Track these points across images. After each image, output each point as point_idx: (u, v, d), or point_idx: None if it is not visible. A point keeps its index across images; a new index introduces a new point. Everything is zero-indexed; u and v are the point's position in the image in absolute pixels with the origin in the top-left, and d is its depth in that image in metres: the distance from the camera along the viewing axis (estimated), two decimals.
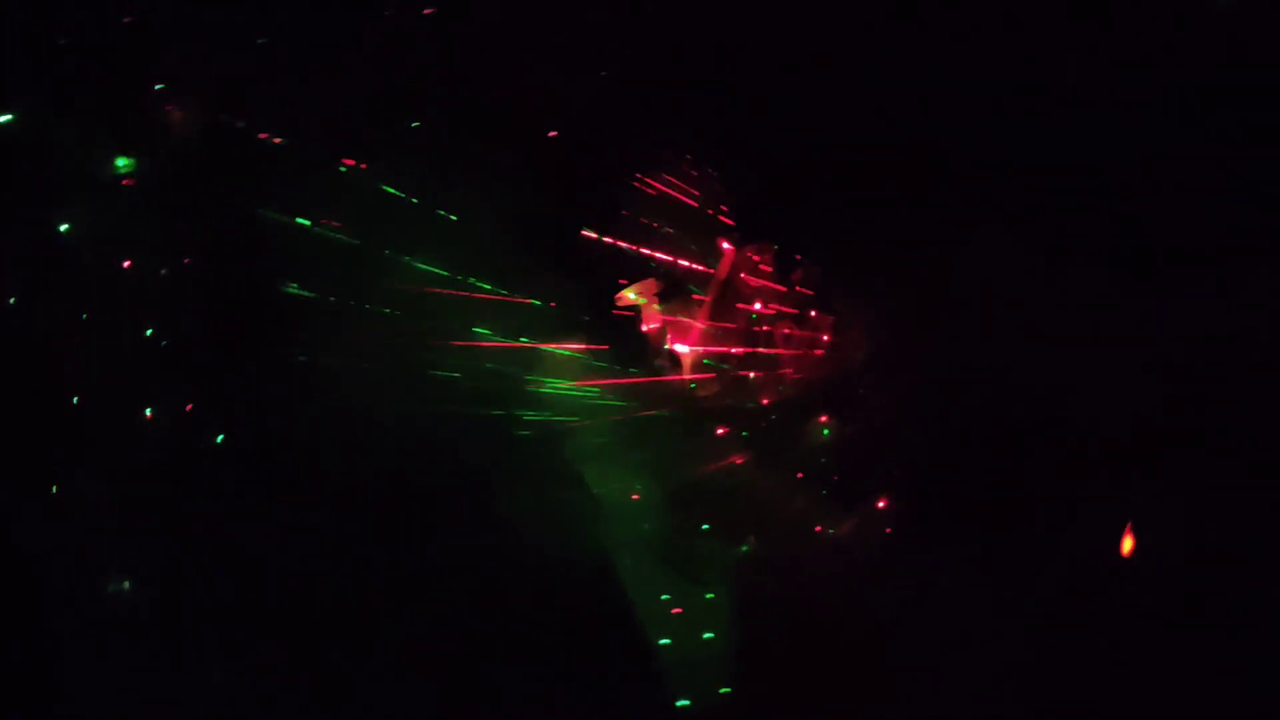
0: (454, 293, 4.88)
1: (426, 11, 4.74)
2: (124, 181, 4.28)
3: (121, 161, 4.27)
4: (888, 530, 5.00)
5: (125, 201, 4.41)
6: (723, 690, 4.67)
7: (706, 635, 4.82)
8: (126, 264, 4.39)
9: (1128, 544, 4.68)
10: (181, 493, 4.36)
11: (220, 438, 4.47)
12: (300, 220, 4.59)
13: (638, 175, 5.21)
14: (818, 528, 5.05)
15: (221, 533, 4.34)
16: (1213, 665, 4.40)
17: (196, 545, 4.30)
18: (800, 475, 5.17)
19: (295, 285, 4.65)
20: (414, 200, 4.82)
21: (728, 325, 5.40)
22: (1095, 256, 4.85)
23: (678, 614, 4.86)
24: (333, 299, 4.70)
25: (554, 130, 5.02)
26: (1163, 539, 4.66)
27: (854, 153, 5.10)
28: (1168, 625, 4.53)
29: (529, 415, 5.01)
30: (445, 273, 4.91)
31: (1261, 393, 4.60)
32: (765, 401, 5.39)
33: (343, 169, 4.68)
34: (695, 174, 5.32)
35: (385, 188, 4.79)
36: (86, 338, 4.32)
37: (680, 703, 4.64)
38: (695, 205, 5.34)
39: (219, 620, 4.22)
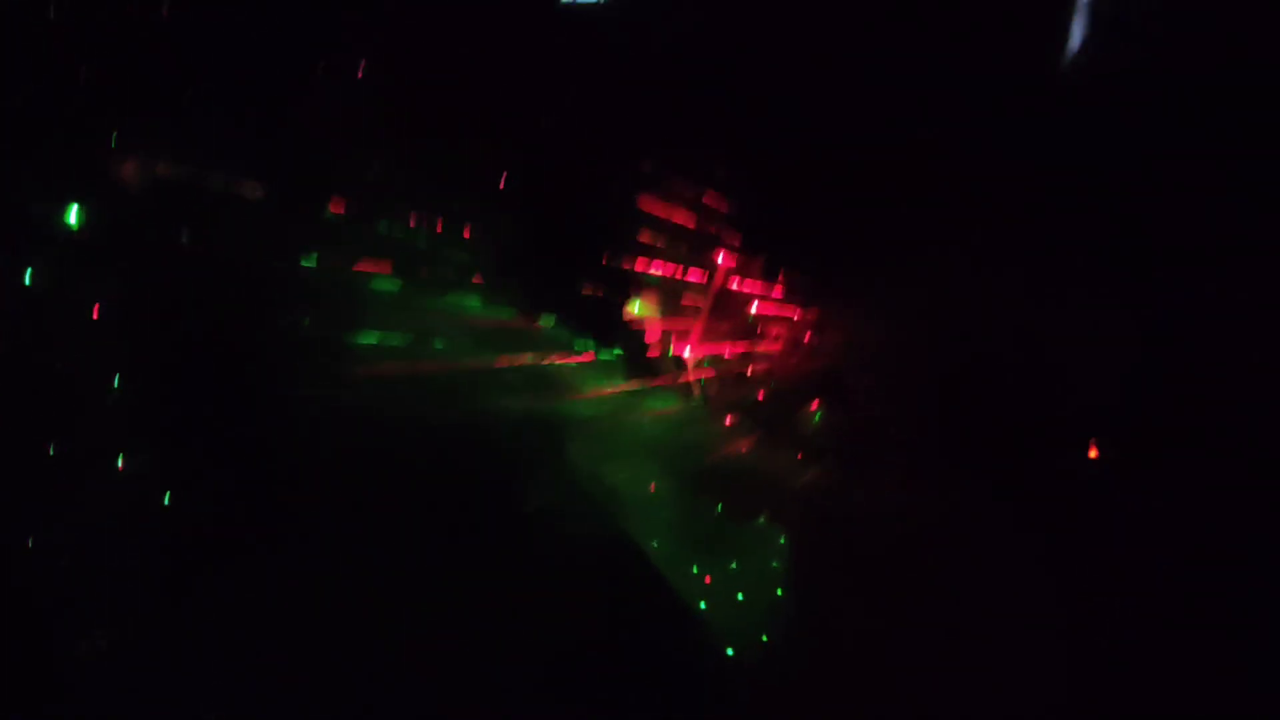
0: (471, 319, 5.03)
1: (419, 24, 4.73)
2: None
3: (74, 213, 4.26)
4: (888, 503, 5.35)
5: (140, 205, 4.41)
6: (763, 639, 5.26)
7: (739, 596, 5.45)
8: (125, 261, 4.39)
9: (1093, 452, 5.02)
10: (181, 494, 4.36)
11: (218, 440, 4.47)
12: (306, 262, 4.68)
13: (640, 193, 5.43)
14: (819, 501, 5.54)
15: (221, 533, 4.35)
16: (1213, 665, 4.40)
17: (196, 545, 4.30)
18: (800, 456, 5.68)
19: (299, 285, 4.68)
20: (414, 223, 4.90)
21: (725, 328, 5.82)
22: (1095, 256, 4.85)
23: (709, 583, 5.45)
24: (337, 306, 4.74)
25: (554, 136, 5.05)
26: (1163, 539, 4.66)
27: (853, 153, 5.11)
28: (1168, 625, 4.53)
29: (542, 418, 5.20)
30: (454, 288, 5.04)
31: (1261, 393, 4.60)
32: (762, 395, 5.86)
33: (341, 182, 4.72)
34: (693, 190, 5.56)
35: (383, 190, 4.81)
36: (86, 338, 4.32)
37: (728, 651, 5.21)
38: (693, 222, 5.62)
39: (219, 620, 4.22)
